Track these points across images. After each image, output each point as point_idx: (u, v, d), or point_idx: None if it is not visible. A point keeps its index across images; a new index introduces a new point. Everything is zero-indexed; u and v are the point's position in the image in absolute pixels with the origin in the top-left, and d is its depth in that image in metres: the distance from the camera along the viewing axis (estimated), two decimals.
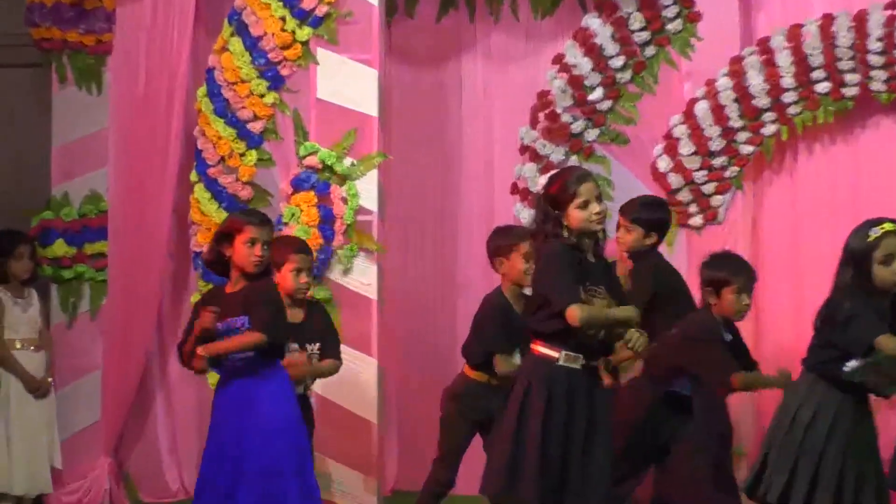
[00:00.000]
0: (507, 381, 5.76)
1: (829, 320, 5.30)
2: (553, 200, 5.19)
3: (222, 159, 7.80)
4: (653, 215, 6.54)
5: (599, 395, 5.24)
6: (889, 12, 7.70)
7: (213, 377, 7.39)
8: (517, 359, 6.10)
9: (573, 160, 7.99)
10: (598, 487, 5.14)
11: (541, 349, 5.22)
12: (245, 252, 5.68)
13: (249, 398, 5.73)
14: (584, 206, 5.14)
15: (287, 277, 6.19)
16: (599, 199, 5.20)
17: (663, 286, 6.36)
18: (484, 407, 6.27)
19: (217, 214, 7.72)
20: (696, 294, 6.38)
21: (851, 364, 5.21)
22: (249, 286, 5.71)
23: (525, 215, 7.82)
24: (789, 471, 5.34)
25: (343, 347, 6.99)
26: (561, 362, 5.15)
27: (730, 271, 6.07)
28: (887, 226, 5.25)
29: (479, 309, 6.42)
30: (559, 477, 5.10)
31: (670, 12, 8.01)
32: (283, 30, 7.68)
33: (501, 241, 6.42)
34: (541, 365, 5.20)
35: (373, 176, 7.68)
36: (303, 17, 7.69)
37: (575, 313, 5.02)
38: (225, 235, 5.73)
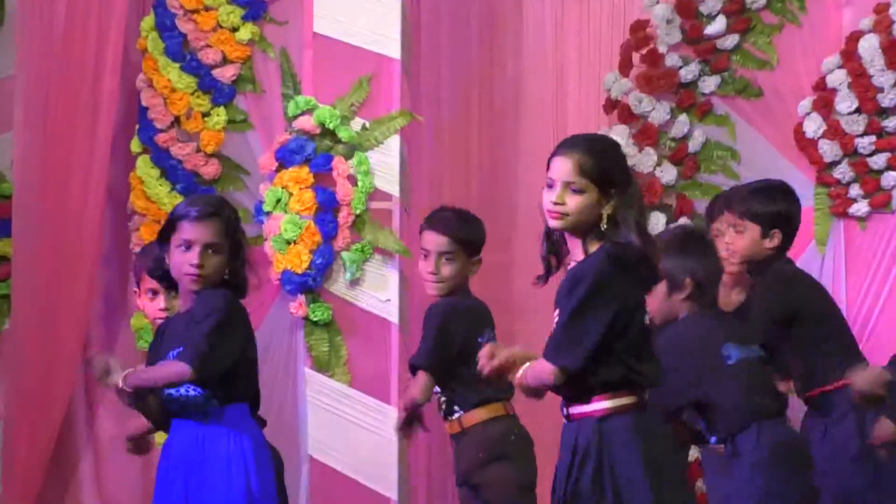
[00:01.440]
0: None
1: None
2: None
3: (177, 121, 7.21)
4: (771, 206, 5.88)
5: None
6: None
7: (161, 435, 6.56)
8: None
9: (682, 120, 7.16)
10: None
11: None
12: (177, 259, 5.05)
13: (196, 460, 5.04)
14: (549, 186, 4.60)
15: (171, 254, 5.30)
16: (571, 189, 4.43)
17: (800, 302, 5.77)
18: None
19: (169, 199, 7.07)
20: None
21: None
22: (197, 302, 5.08)
23: None
24: None
25: (351, 392, 6.86)
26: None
27: None
28: None
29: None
30: None
31: None
32: None
33: None
34: None
35: (394, 145, 7.06)
36: None
37: None
38: (162, 234, 5.19)
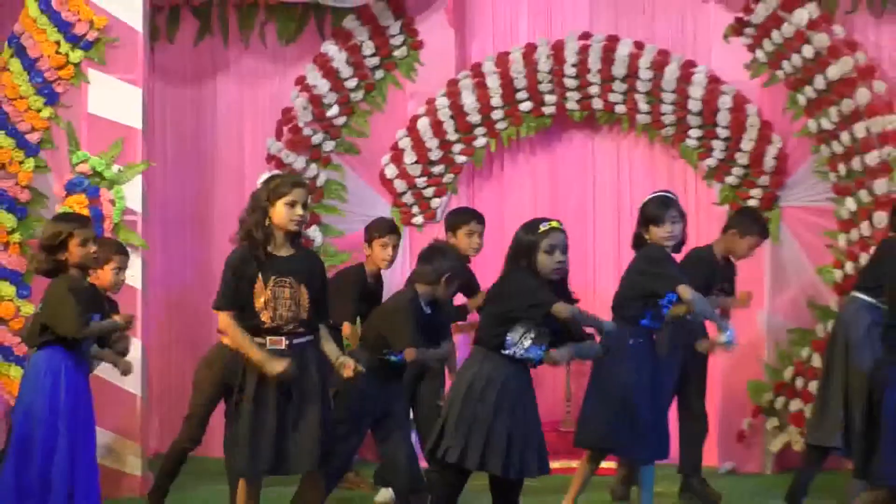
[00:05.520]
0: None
1: (497, 297, 5.60)
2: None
3: (3, 166, 7.97)
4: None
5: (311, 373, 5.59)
6: (582, 42, 8.50)
7: (12, 369, 7.99)
8: None
9: (313, 168, 8.60)
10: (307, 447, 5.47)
11: None
12: (79, 252, 6.22)
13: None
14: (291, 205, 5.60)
15: (108, 274, 6.69)
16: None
17: None
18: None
19: None
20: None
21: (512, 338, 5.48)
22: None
23: None
24: (464, 437, 5.54)
25: None
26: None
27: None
28: (553, 223, 5.51)
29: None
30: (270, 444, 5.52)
31: (397, 41, 8.71)
32: (57, 52, 7.94)
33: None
34: None
35: (137, 181, 7.97)
36: (75, 41, 7.93)
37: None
38: (60, 242, 6.19)
